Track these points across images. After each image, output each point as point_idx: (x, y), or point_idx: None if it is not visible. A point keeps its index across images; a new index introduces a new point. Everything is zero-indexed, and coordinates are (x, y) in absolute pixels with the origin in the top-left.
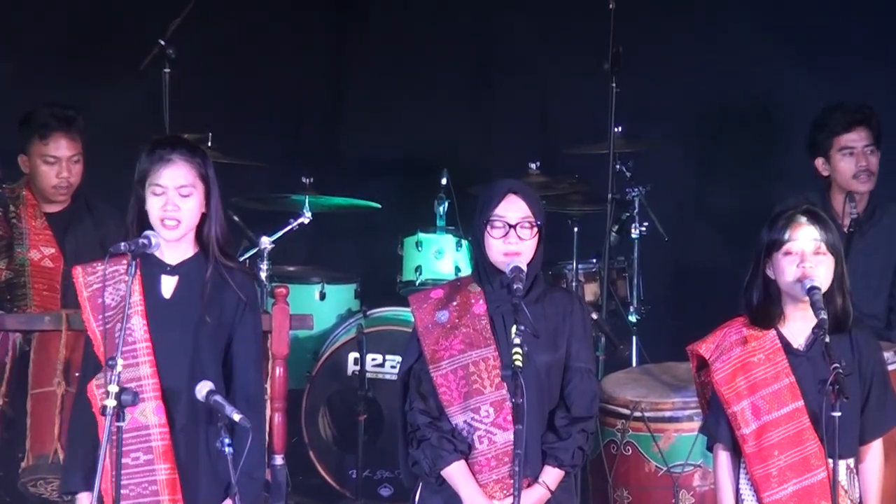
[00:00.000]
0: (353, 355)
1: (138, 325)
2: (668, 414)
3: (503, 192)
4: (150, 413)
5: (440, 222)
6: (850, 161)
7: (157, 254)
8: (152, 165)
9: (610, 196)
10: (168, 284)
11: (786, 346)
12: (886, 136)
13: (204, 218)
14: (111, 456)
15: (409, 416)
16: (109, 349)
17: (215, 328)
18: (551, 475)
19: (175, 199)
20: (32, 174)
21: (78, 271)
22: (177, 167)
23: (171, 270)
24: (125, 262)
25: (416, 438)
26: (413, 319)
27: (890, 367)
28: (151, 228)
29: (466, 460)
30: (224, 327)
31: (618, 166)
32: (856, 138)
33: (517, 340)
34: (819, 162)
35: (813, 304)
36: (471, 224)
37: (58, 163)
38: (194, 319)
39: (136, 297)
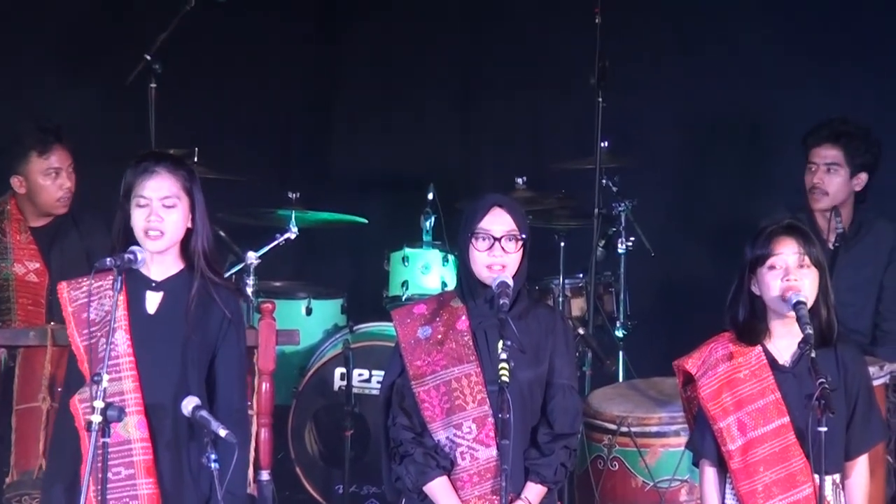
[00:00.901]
0: (339, 371)
1: (122, 339)
2: (654, 429)
3: (488, 205)
4: (132, 427)
5: (427, 237)
6: (810, 176)
7: (142, 269)
8: (137, 178)
9: (596, 211)
10: (153, 300)
11: (771, 362)
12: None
13: (189, 233)
14: (95, 471)
15: (392, 432)
16: (93, 364)
17: (199, 344)
18: (534, 491)
19: (159, 211)
20: (32, 192)
21: (63, 287)
22: (161, 179)
23: (157, 286)
24: (110, 277)
25: (399, 454)
26: (396, 335)
27: (875, 383)
28: (137, 243)
29: (449, 476)
30: (208, 343)
31: (604, 181)
32: (818, 155)
33: (504, 355)
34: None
35: (799, 319)
36: (457, 239)
37: (59, 174)
38: (179, 335)
39: (121, 312)
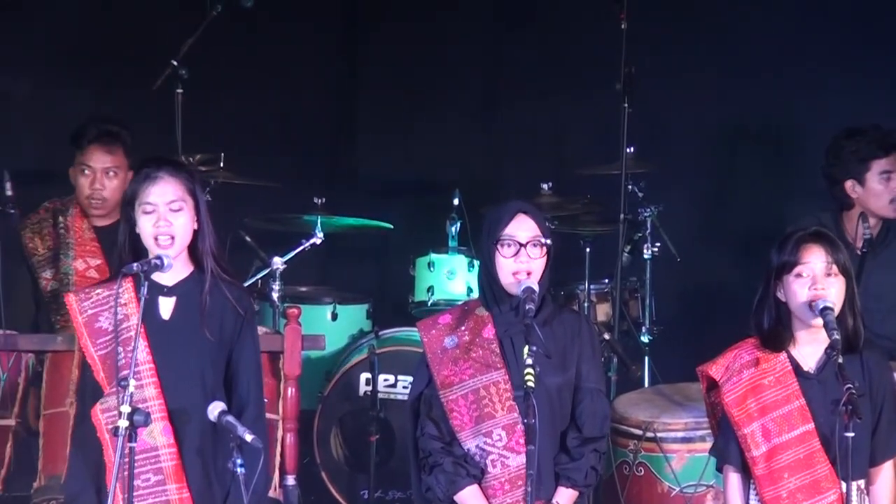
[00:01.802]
0: (364, 376)
1: (140, 346)
2: (680, 434)
3: (513, 211)
4: (158, 434)
5: (452, 243)
6: (887, 186)
7: (152, 276)
8: (140, 185)
9: (622, 216)
10: (166, 306)
11: (796, 368)
12: None
13: (196, 234)
14: (122, 477)
15: (421, 442)
16: (110, 373)
17: (217, 345)
18: (565, 496)
19: (167, 216)
20: (75, 186)
21: (71, 298)
22: (165, 183)
23: (168, 291)
24: (116, 286)
25: (429, 464)
26: (422, 347)
27: None
28: (144, 251)
29: (480, 484)
30: (225, 343)
31: (630, 187)
32: (894, 162)
33: (530, 361)
34: (849, 184)
35: (826, 325)
36: (479, 246)
37: (92, 174)
38: (195, 339)
39: (135, 320)
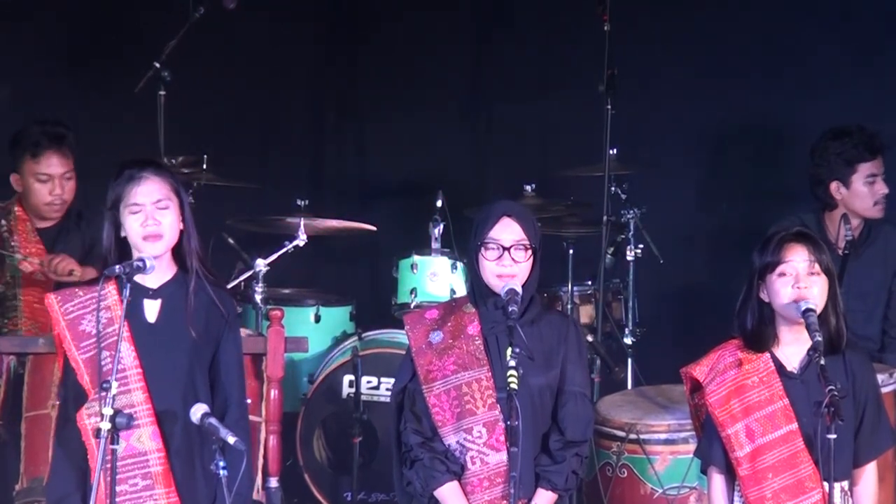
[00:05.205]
0: (348, 378)
1: (126, 350)
2: (663, 436)
3: (498, 214)
4: (146, 439)
5: (435, 244)
6: (872, 188)
7: (136, 278)
8: (125, 187)
9: (605, 218)
10: (151, 308)
11: (780, 368)
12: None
13: (181, 235)
14: (106, 481)
15: (404, 436)
16: (94, 377)
17: (202, 345)
18: (544, 498)
19: (154, 214)
20: (25, 192)
21: (52, 299)
22: (150, 183)
23: (154, 294)
24: (102, 287)
25: (410, 458)
26: (408, 340)
27: (884, 390)
28: (130, 254)
29: (459, 481)
30: (210, 343)
31: (613, 188)
32: (879, 165)
33: (512, 363)
34: (834, 186)
35: (808, 326)
36: (466, 246)
37: (50, 180)
38: (181, 341)
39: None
